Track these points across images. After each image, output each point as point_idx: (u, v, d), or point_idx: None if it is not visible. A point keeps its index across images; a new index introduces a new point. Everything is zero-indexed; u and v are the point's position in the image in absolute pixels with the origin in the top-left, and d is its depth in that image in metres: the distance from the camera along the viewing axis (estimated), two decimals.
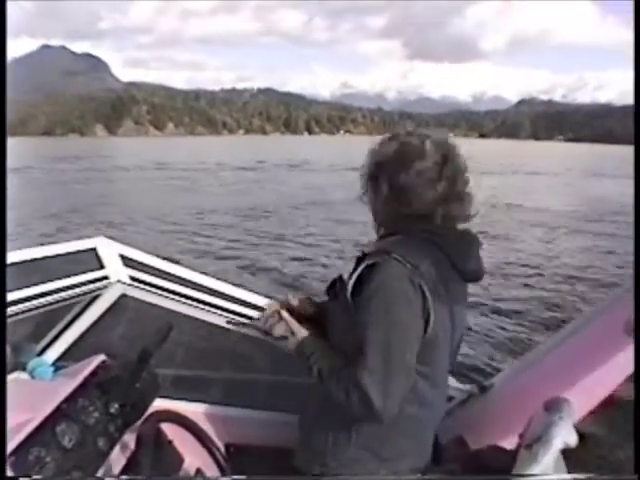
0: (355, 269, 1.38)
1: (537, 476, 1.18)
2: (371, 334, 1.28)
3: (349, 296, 1.37)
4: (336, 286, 1.48)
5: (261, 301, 1.92)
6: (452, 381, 1.95)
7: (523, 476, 1.19)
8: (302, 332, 1.50)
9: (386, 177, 1.42)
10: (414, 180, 1.39)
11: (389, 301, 1.29)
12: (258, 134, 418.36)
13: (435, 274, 1.32)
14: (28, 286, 1.50)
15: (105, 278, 1.73)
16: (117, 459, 1.67)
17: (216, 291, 1.87)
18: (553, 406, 1.40)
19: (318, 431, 1.47)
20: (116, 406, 1.74)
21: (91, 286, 1.69)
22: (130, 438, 1.73)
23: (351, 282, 1.37)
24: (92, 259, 1.70)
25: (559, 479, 1.22)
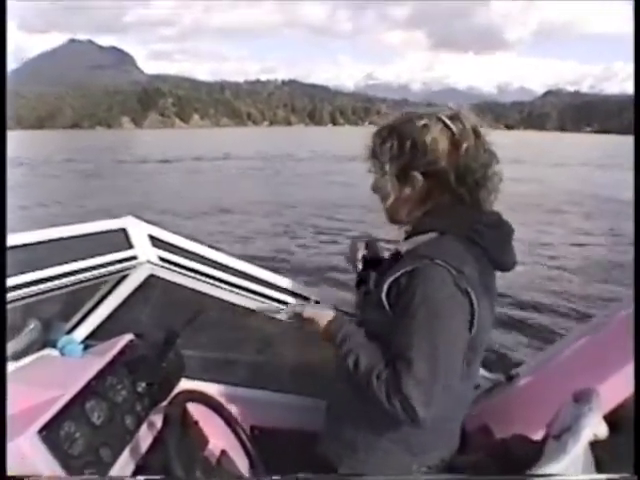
0: (389, 268, 1.34)
1: (537, 476, 1.17)
2: (419, 343, 1.22)
3: (384, 297, 1.32)
4: (368, 282, 1.46)
5: (290, 284, 1.92)
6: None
7: (532, 476, 1.17)
8: (331, 313, 1.48)
9: (422, 165, 1.35)
10: (437, 159, 1.33)
11: (437, 310, 1.23)
12: (282, 125, 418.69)
13: (478, 274, 1.28)
14: (57, 264, 1.52)
15: (134, 258, 1.73)
16: (144, 438, 1.69)
17: (244, 273, 1.87)
18: (583, 397, 1.37)
19: (349, 421, 1.46)
20: (143, 385, 1.76)
21: (120, 266, 1.70)
22: (156, 417, 1.74)
23: (386, 285, 1.31)
24: (121, 239, 1.71)
25: (560, 479, 1.20)
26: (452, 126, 1.33)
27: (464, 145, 1.32)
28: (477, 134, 1.36)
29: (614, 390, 1.46)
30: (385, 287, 1.31)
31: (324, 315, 1.48)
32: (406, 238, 1.43)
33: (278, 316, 1.89)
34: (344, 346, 1.37)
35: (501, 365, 2.03)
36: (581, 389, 1.39)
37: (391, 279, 1.30)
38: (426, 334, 1.22)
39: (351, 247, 1.65)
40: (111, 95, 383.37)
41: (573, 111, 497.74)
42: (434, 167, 1.33)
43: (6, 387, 1.27)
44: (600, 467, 1.30)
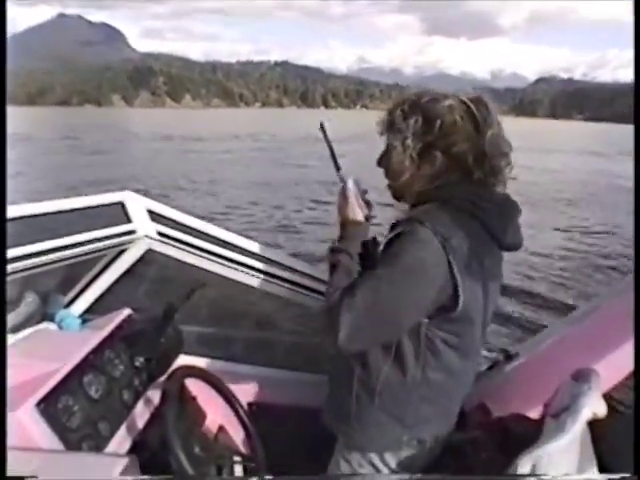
0: (387, 237, 1.34)
1: (537, 476, 1.17)
2: (373, 279, 1.24)
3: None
4: (368, 249, 1.46)
5: (289, 260, 1.91)
6: None
7: (524, 476, 1.18)
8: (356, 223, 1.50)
9: (445, 145, 1.33)
10: (460, 140, 1.32)
11: (409, 263, 1.23)
12: (274, 107, 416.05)
13: (469, 247, 1.27)
14: (55, 238, 1.50)
15: (132, 232, 1.71)
16: (141, 412, 1.69)
17: (243, 249, 1.86)
18: (582, 376, 1.38)
19: (344, 391, 1.46)
20: (141, 360, 1.76)
21: (118, 240, 1.68)
22: (154, 392, 1.74)
23: (380, 249, 1.33)
24: (119, 213, 1.69)
25: (559, 479, 1.21)
26: (476, 111, 1.33)
27: (489, 132, 1.32)
28: (497, 122, 1.36)
29: (613, 369, 1.47)
30: (379, 253, 1.32)
31: (350, 214, 1.50)
32: (410, 209, 1.43)
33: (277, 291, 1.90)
34: (333, 258, 1.41)
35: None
36: (580, 368, 1.40)
37: (384, 242, 1.31)
38: (384, 275, 1.24)
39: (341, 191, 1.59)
40: (101, 72, 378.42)
41: (565, 98, 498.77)
42: (456, 148, 1.33)
43: (6, 389, 1.25)
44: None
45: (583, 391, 1.32)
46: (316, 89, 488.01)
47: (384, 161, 1.46)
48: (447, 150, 1.34)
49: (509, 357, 1.84)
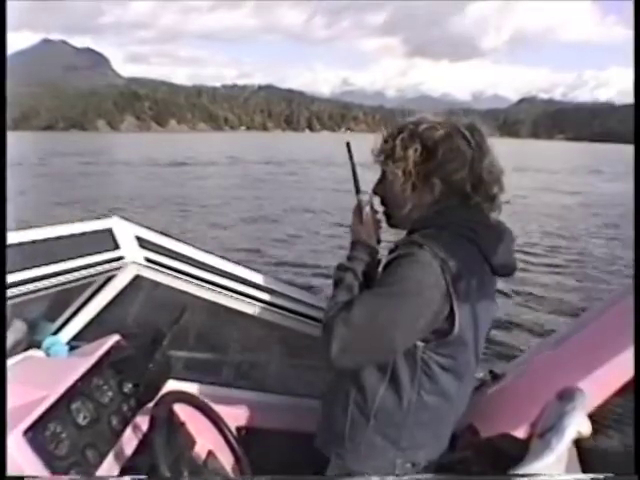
0: (386, 258, 1.36)
1: (536, 475, 1.19)
2: (371, 297, 1.28)
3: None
4: (369, 269, 1.47)
5: (277, 285, 1.92)
6: None
7: (522, 476, 1.19)
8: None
9: (444, 173, 1.36)
10: (459, 167, 1.36)
11: (407, 284, 1.25)
12: (259, 130, 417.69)
13: (466, 271, 1.28)
14: (43, 265, 1.50)
15: (120, 259, 1.72)
16: (130, 439, 1.67)
17: (232, 274, 1.87)
18: (566, 396, 1.40)
19: (338, 413, 1.46)
20: (129, 386, 1.75)
21: (106, 266, 1.69)
22: (143, 418, 1.73)
23: (379, 271, 1.36)
24: (108, 239, 1.70)
25: (558, 479, 1.22)
26: (471, 138, 1.36)
27: (485, 159, 1.37)
28: (491, 148, 1.40)
29: (600, 386, 1.49)
30: (379, 275, 1.36)
31: (364, 236, 1.52)
32: (407, 234, 1.45)
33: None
34: (338, 275, 1.44)
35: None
36: (565, 387, 1.42)
37: (383, 265, 1.35)
38: (383, 295, 1.27)
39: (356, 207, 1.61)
40: (86, 97, 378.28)
41: (547, 119, 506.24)
42: (455, 176, 1.36)
43: (6, 389, 1.25)
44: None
45: (567, 410, 1.34)
46: (301, 112, 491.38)
47: (381, 189, 1.49)
48: (446, 177, 1.37)
49: (496, 377, 1.85)
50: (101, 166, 36.94)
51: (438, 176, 1.37)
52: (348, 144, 1.61)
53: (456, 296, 1.26)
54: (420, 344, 1.31)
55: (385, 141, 1.44)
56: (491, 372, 1.88)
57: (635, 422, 1.29)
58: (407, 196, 1.41)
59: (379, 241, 1.55)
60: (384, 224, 1.55)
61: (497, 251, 1.39)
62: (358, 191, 1.60)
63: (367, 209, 1.55)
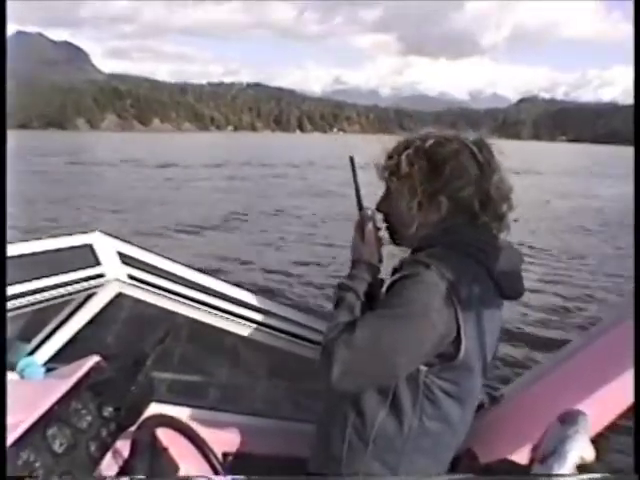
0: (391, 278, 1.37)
1: (537, 475, 1.20)
2: (375, 319, 1.29)
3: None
4: (372, 289, 1.48)
5: (266, 304, 1.93)
6: None
7: (523, 475, 1.21)
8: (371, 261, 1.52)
9: (451, 190, 1.38)
10: (466, 185, 1.37)
11: (414, 305, 1.26)
12: (248, 131, 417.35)
13: (474, 294, 1.30)
14: (21, 282, 1.50)
15: (101, 276, 1.72)
16: (109, 466, 1.67)
17: (217, 292, 1.87)
18: (569, 419, 1.41)
19: (335, 436, 1.47)
20: (110, 410, 1.73)
21: (86, 284, 1.69)
22: (124, 444, 1.72)
23: (383, 290, 1.36)
24: (88, 255, 1.70)
25: (559, 479, 1.24)
26: (479, 154, 1.38)
27: (494, 176, 1.38)
28: (499, 165, 1.41)
29: (603, 409, 1.50)
30: (383, 295, 1.35)
31: (366, 255, 1.52)
32: (412, 253, 1.46)
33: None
34: (339, 294, 1.45)
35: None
36: (568, 410, 1.43)
37: (388, 283, 1.35)
38: (387, 316, 1.27)
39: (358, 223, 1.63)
40: (65, 94, 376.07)
41: (548, 119, 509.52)
42: (462, 193, 1.37)
43: (6, 389, 1.25)
44: None
45: (570, 435, 1.34)
46: (291, 112, 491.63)
47: (385, 206, 1.51)
48: (453, 195, 1.38)
49: (494, 400, 1.86)
50: (81, 166, 36.77)
51: (445, 194, 1.38)
52: (352, 159, 1.62)
53: (463, 319, 1.27)
54: (423, 368, 1.32)
55: (390, 157, 1.45)
56: (489, 395, 1.90)
57: (635, 422, 1.31)
58: (413, 214, 1.42)
59: (381, 260, 1.55)
60: (387, 242, 1.56)
61: (505, 273, 1.39)
62: (361, 207, 1.61)
63: (370, 226, 1.55)
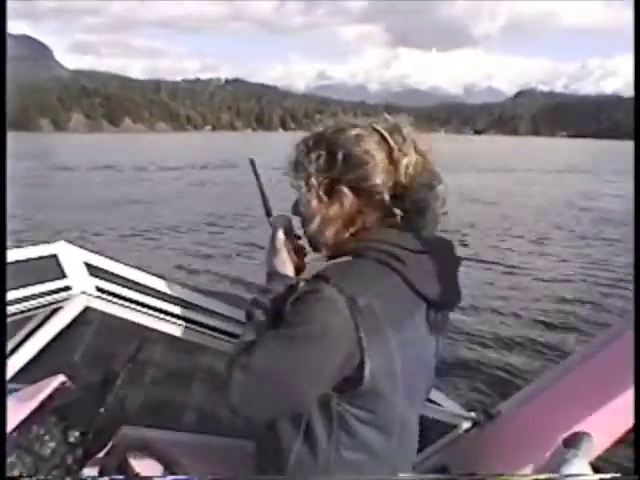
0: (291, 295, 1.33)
1: (536, 475, 1.21)
2: (274, 335, 1.25)
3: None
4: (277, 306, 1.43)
5: (241, 315, 1.92)
6: (454, 407, 1.96)
7: (524, 475, 1.22)
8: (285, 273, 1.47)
9: (353, 180, 1.33)
10: (370, 173, 1.31)
11: (311, 325, 1.22)
12: (227, 130, 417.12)
13: (384, 308, 1.24)
14: None
15: (67, 289, 1.70)
16: None
17: (192, 304, 1.86)
18: (571, 442, 1.43)
19: (260, 466, 1.48)
20: (76, 434, 1.71)
21: (51, 298, 1.67)
22: (91, 471, 1.71)
23: (288, 305, 1.29)
24: (53, 267, 1.68)
25: (558, 478, 1.25)
26: (390, 139, 1.32)
27: (404, 161, 1.31)
28: (418, 150, 1.35)
29: (606, 428, 1.51)
30: (288, 307, 1.29)
31: (279, 267, 1.48)
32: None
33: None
34: (249, 309, 1.41)
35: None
36: (573, 433, 1.45)
37: (292, 298, 1.29)
38: (284, 338, 1.22)
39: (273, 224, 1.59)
40: (26, 92, 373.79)
41: (547, 113, 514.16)
42: (366, 183, 1.32)
43: (6, 389, 1.23)
44: None
45: (568, 458, 1.37)
46: (273, 110, 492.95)
47: (295, 207, 1.47)
48: (356, 185, 1.33)
49: (490, 417, 1.87)
50: (49, 171, 36.59)
51: (344, 183, 1.34)
52: (252, 161, 1.61)
53: (367, 341, 1.21)
54: (334, 395, 1.28)
55: (295, 149, 1.43)
56: (485, 411, 1.91)
57: (635, 422, 1.32)
58: (315, 210, 1.39)
59: (300, 270, 1.51)
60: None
61: (430, 280, 1.32)
62: (269, 214, 1.59)
63: (279, 234, 1.51)
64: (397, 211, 1.32)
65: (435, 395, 1.88)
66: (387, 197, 1.31)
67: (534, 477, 1.25)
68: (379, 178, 1.31)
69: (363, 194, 1.33)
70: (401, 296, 1.29)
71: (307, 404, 1.29)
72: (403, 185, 1.31)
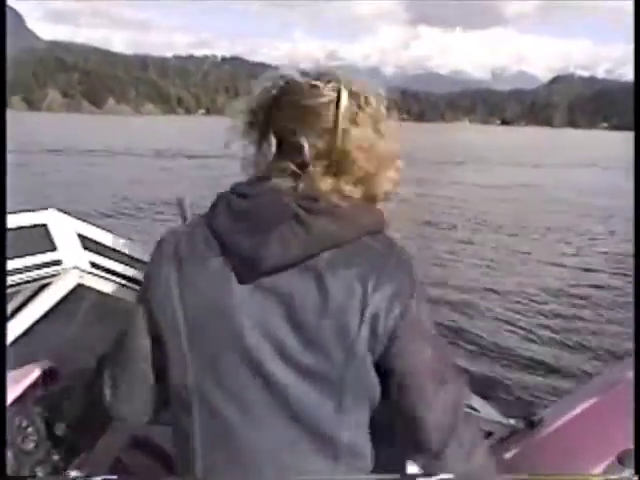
0: None
1: (537, 475, 1.24)
2: None
3: None
4: None
5: None
6: (493, 414, 1.97)
7: (526, 476, 1.24)
8: None
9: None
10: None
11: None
12: (222, 115, 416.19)
13: (199, 275, 1.25)
14: None
15: (57, 263, 1.70)
16: None
17: None
18: (624, 458, 1.46)
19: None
20: (63, 427, 1.72)
21: (38, 272, 1.66)
22: (80, 470, 1.72)
23: None
24: (42, 238, 1.67)
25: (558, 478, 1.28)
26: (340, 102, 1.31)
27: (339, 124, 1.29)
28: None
29: None
30: None
31: None
32: None
33: None
34: None
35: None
36: (626, 449, 1.47)
37: None
38: None
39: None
40: None
41: (587, 102, 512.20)
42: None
43: (6, 389, 1.25)
44: None
45: (624, 477, 1.40)
46: None
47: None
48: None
49: (532, 424, 1.88)
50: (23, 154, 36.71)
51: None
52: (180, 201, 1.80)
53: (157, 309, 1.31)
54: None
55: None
56: (526, 419, 1.92)
57: (635, 421, 1.35)
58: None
59: None
60: None
61: (238, 238, 1.23)
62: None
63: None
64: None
65: (472, 399, 1.88)
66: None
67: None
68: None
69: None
70: (211, 262, 1.25)
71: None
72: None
